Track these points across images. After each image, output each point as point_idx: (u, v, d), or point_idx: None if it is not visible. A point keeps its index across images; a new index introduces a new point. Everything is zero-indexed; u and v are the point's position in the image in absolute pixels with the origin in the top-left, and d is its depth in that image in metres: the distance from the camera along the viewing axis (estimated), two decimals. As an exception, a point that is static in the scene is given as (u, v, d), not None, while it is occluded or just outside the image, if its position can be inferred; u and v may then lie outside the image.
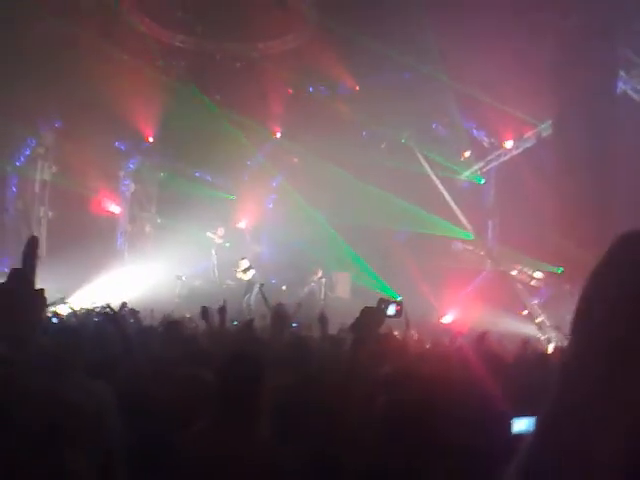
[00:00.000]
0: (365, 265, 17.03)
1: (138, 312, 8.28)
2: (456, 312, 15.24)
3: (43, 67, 13.35)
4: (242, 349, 3.43)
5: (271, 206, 20.82)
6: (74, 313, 8.70)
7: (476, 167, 17.81)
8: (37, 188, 16.38)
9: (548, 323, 13.74)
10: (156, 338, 5.54)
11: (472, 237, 17.37)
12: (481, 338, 5.84)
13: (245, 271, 15.91)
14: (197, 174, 19.80)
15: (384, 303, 3.74)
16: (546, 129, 15.21)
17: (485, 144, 17.63)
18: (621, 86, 13.53)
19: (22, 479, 2.03)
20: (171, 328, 5.77)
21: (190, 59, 15.84)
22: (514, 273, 16.46)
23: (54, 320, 7.56)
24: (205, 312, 5.64)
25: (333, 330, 6.35)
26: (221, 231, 18.13)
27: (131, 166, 18.56)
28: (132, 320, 7.54)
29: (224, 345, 4.66)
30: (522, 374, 4.51)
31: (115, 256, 17.42)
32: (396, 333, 6.57)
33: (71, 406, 2.74)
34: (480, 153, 17.63)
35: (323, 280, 16.58)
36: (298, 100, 17.30)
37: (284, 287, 17.36)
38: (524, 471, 0.81)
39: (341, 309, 12.88)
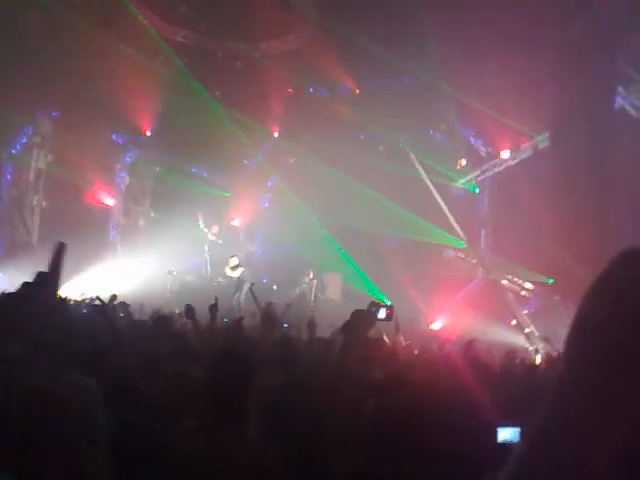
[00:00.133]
0: (357, 268, 17.04)
1: (129, 305, 8.28)
2: (445, 319, 15.26)
3: (42, 56, 13.29)
4: (232, 347, 3.43)
5: (266, 205, 20.78)
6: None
7: (471, 176, 17.84)
8: (32, 177, 16.25)
9: (537, 334, 13.79)
10: (146, 332, 5.52)
11: (464, 245, 17.40)
12: (469, 346, 5.86)
13: (234, 268, 15.82)
14: (193, 170, 19.74)
15: (375, 306, 3.78)
16: (543, 141, 15.26)
17: (482, 153, 17.67)
18: (619, 101, 13.61)
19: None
20: (160, 323, 5.76)
21: (191, 55, 15.81)
22: (505, 282, 16.50)
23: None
24: (190, 310, 5.26)
25: (323, 332, 6.36)
26: (215, 228, 18.09)
27: (127, 159, 18.46)
28: (122, 314, 7.53)
29: (214, 343, 4.64)
30: (509, 384, 4.54)
31: (107, 248, 17.30)
32: (385, 338, 6.58)
33: (55, 398, 2.72)
34: (476, 162, 17.67)
35: (314, 282, 16.58)
36: (298, 100, 17.31)
37: (275, 287, 17.34)
38: None
39: (331, 311, 12.91)
